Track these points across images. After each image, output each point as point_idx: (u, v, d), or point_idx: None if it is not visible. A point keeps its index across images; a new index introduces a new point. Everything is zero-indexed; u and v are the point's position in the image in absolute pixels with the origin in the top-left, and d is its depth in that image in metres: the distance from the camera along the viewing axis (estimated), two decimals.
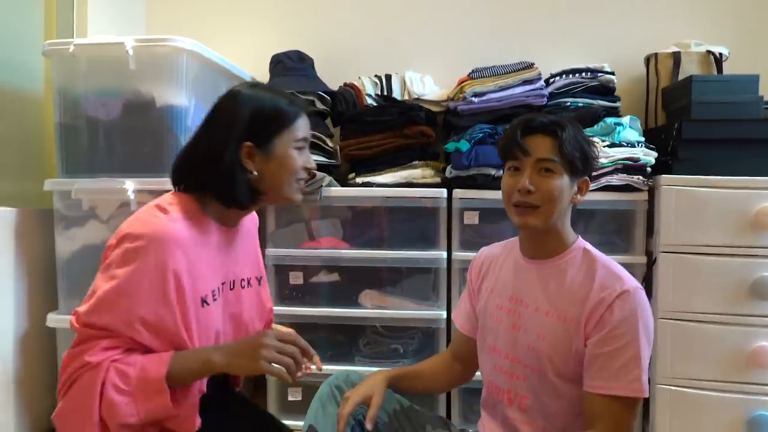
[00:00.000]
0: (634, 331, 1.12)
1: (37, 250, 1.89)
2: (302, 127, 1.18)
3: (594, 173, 1.86)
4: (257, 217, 1.40)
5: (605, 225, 1.99)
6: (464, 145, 1.97)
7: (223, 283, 1.19)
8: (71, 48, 1.75)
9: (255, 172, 1.13)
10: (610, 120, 1.98)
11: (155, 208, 1.10)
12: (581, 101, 2.11)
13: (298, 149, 1.17)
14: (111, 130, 1.78)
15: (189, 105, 1.79)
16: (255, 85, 1.22)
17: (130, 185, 1.74)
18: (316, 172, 1.95)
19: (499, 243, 1.43)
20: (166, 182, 1.70)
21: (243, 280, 1.26)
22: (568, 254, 1.23)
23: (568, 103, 2.11)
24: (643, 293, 1.17)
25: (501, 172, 1.34)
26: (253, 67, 2.31)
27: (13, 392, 1.81)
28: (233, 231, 1.23)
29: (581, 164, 1.20)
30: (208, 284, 1.13)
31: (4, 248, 1.78)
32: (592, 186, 1.86)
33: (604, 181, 1.91)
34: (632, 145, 1.92)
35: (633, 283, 1.17)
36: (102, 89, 1.79)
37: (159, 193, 1.72)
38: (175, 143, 1.76)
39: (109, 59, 1.77)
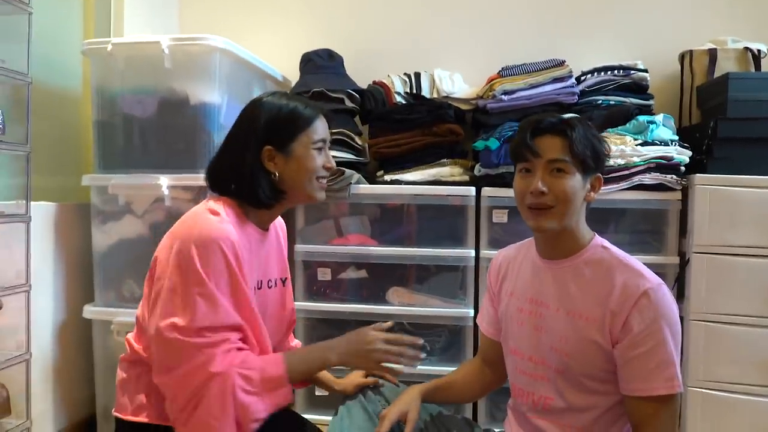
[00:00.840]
0: (662, 330, 1.11)
1: (75, 243, 1.95)
2: (320, 128, 1.23)
3: (626, 172, 1.88)
4: (284, 223, 1.45)
5: (637, 224, 1.96)
6: (493, 143, 1.96)
7: (257, 281, 1.25)
8: (109, 47, 1.80)
9: (276, 173, 1.19)
10: (642, 118, 1.95)
11: (207, 212, 1.16)
12: (613, 99, 2.08)
13: (317, 150, 1.22)
14: (146, 127, 1.83)
15: (221, 102, 1.83)
16: (276, 93, 1.28)
17: (164, 181, 1.78)
18: (344, 169, 2.00)
19: (515, 244, 1.42)
20: (198, 178, 1.76)
21: (270, 280, 1.31)
22: (585, 253, 1.21)
23: (600, 101, 2.09)
24: (665, 288, 1.15)
25: None
26: (284, 65, 2.33)
27: (52, 381, 1.87)
28: (265, 234, 1.28)
29: (593, 162, 1.18)
30: (251, 280, 1.20)
31: (44, 241, 1.84)
32: (624, 185, 1.89)
33: (636, 179, 1.88)
34: (665, 144, 1.89)
35: (654, 279, 1.15)
36: (138, 87, 1.84)
37: (192, 188, 1.81)
38: (208, 140, 1.80)
39: (145, 58, 1.81)
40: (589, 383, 1.19)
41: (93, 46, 1.84)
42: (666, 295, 1.14)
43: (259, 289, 1.26)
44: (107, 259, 1.89)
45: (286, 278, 1.40)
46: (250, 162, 1.18)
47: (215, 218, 1.14)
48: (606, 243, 1.24)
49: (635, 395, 1.13)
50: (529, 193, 1.17)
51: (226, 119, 1.84)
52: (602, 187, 1.84)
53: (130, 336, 1.24)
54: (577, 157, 1.16)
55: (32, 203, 1.69)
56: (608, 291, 1.16)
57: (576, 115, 1.26)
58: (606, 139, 1.88)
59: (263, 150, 1.18)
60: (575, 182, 1.17)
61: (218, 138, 1.81)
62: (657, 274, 1.71)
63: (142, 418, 1.17)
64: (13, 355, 1.63)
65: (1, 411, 1.50)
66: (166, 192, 1.78)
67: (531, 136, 1.19)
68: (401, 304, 2.03)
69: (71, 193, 1.97)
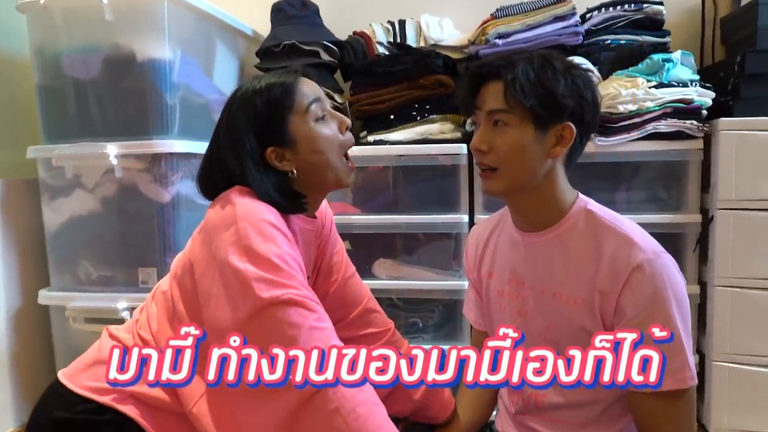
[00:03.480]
0: (665, 310, 0.90)
1: (25, 222, 1.78)
2: (305, 93, 1.00)
3: (638, 119, 1.63)
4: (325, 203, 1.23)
5: (652, 180, 1.73)
6: None
7: None
8: (42, 0, 1.59)
9: (293, 171, 0.99)
10: (657, 56, 1.69)
11: (243, 194, 0.95)
12: (623, 38, 1.82)
13: (317, 121, 0.99)
14: (92, 90, 1.62)
15: (174, 58, 1.61)
16: (249, 80, 1.04)
17: (111, 149, 1.58)
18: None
19: (490, 217, 1.21)
20: (151, 145, 1.58)
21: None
22: (568, 220, 1.00)
23: (608, 41, 1.83)
24: (665, 258, 0.93)
25: None
26: (256, 17, 2.10)
27: (9, 371, 1.72)
28: (314, 222, 1.09)
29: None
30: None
31: None
32: (636, 134, 1.64)
33: (650, 127, 1.63)
34: (684, 85, 1.63)
35: (651, 247, 0.93)
36: (80, 45, 1.63)
37: (144, 157, 1.60)
38: (159, 101, 1.59)
39: (85, 11, 1.59)
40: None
41: (25, 0, 1.62)
42: (667, 266, 0.92)
43: None
44: (60, 239, 1.71)
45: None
46: (255, 172, 0.97)
47: (248, 198, 0.93)
48: (592, 204, 1.02)
49: (639, 392, 0.92)
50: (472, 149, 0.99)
51: (179, 77, 1.63)
52: (612, 138, 1.64)
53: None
54: (517, 105, 0.93)
55: None
56: (594, 267, 0.95)
57: (537, 52, 1.00)
58: (615, 83, 1.68)
59: (266, 153, 0.98)
60: (522, 136, 0.94)
61: (170, 98, 1.61)
62: (675, 235, 1.47)
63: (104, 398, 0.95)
64: None
65: None
66: (114, 162, 1.58)
67: (471, 84, 0.98)
68: (389, 277, 1.84)
69: (20, 167, 1.78)
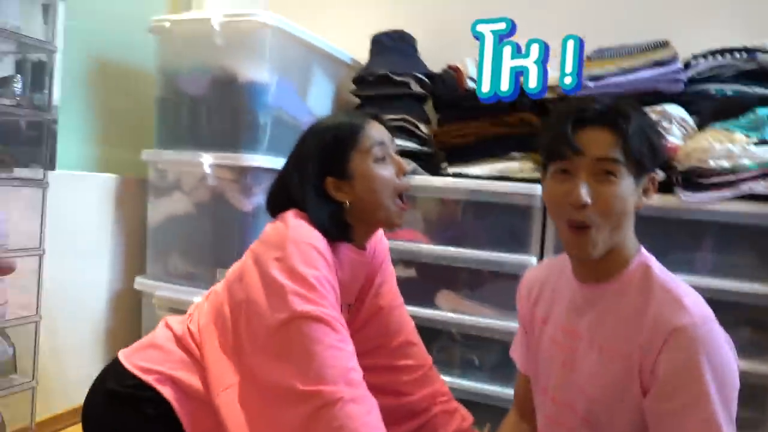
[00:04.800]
0: (702, 380, 0.82)
1: (133, 215, 2.00)
2: (371, 134, 1.09)
3: (732, 177, 1.50)
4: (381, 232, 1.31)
5: (743, 244, 1.57)
6: None
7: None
8: (167, 24, 1.80)
9: (347, 203, 1.08)
10: (762, 111, 1.55)
11: (298, 217, 1.05)
12: (730, 88, 1.69)
13: (377, 161, 1.08)
14: (198, 105, 1.81)
15: (270, 82, 1.75)
16: (329, 116, 1.17)
17: (207, 159, 1.75)
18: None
19: (546, 261, 1.17)
20: (239, 158, 1.73)
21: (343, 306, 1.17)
22: (626, 275, 0.95)
23: (713, 91, 1.70)
24: (711, 326, 0.85)
25: None
26: (358, 47, 2.20)
27: (104, 346, 1.94)
28: (362, 253, 1.16)
29: (650, 161, 0.92)
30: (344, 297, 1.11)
31: (105, 212, 1.92)
32: (728, 193, 1.51)
33: (745, 187, 1.49)
34: None
35: (699, 312, 0.86)
36: (193, 65, 1.83)
37: (234, 168, 1.75)
38: (254, 119, 1.74)
39: (199, 35, 1.79)
40: None
41: (156, 24, 1.85)
42: (712, 333, 0.84)
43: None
44: (158, 233, 1.92)
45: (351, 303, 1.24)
46: (313, 193, 1.07)
47: (302, 222, 1.03)
48: (651, 260, 0.96)
49: None
50: (569, 204, 0.90)
51: (276, 99, 1.77)
52: (700, 195, 1.52)
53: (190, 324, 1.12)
54: (632, 156, 0.89)
55: (93, 174, 1.75)
56: (639, 324, 0.89)
57: (631, 101, 0.97)
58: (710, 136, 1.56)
59: (326, 182, 1.08)
60: (627, 188, 0.90)
61: (264, 118, 1.74)
62: (765, 308, 1.34)
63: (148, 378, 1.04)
64: (21, 315, 1.55)
65: (6, 368, 1.55)
66: (208, 170, 1.75)
67: (572, 126, 0.92)
68: (451, 310, 1.82)
69: (134, 166, 2.01)
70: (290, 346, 0.93)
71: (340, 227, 1.09)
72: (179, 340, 1.08)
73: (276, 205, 1.12)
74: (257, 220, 1.76)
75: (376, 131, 1.10)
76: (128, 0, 2.06)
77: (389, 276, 1.33)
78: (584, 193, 0.89)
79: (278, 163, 1.73)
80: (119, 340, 1.99)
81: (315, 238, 1.01)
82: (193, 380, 1.04)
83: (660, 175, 1.59)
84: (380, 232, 1.32)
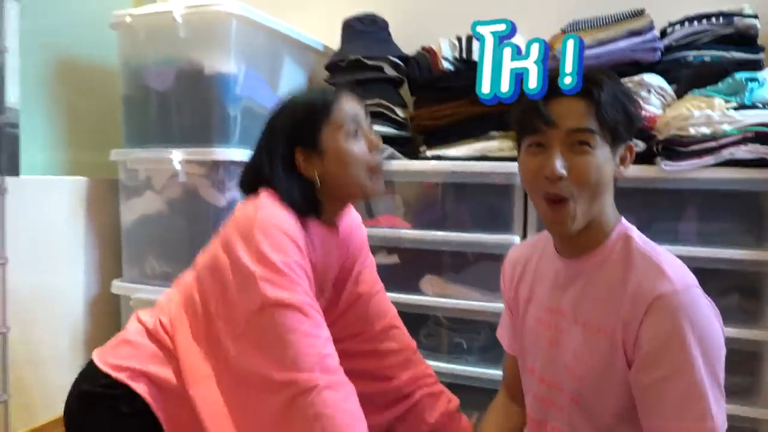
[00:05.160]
0: (686, 348, 0.80)
1: (105, 218, 1.96)
2: (344, 109, 1.06)
3: (713, 144, 1.46)
4: (359, 219, 1.31)
5: (727, 210, 1.54)
6: None
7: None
8: (128, 19, 1.74)
9: (317, 177, 1.05)
10: (740, 75, 1.52)
11: (270, 198, 1.03)
12: (708, 54, 1.65)
13: (349, 135, 1.05)
14: (164, 101, 1.76)
15: (238, 73, 1.70)
16: (303, 89, 1.16)
17: (177, 155, 1.70)
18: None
19: (530, 240, 1.15)
20: (211, 153, 1.69)
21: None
22: (607, 246, 0.93)
23: (690, 58, 1.67)
24: (695, 292, 0.83)
25: None
26: (329, 33, 2.14)
27: (83, 353, 1.89)
28: (333, 229, 1.14)
29: (625, 129, 0.90)
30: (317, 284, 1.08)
31: (76, 216, 1.87)
32: (709, 160, 1.48)
33: (726, 153, 1.45)
34: None
35: (681, 279, 0.84)
36: (158, 59, 1.77)
37: (205, 163, 1.70)
38: (222, 113, 1.70)
39: (163, 28, 1.73)
40: (610, 420, 0.90)
41: (117, 19, 1.79)
42: (695, 301, 0.82)
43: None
44: (132, 235, 1.87)
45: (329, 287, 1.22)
46: (282, 171, 1.05)
47: (272, 202, 1.00)
48: (631, 230, 0.94)
49: None
50: (544, 178, 0.88)
51: (244, 90, 1.73)
52: (681, 163, 1.50)
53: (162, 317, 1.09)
54: (607, 124, 0.87)
55: (62, 177, 1.71)
56: (620, 296, 0.87)
57: (605, 69, 0.95)
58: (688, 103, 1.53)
59: (296, 155, 1.06)
60: (603, 158, 0.88)
61: (234, 110, 1.70)
62: (753, 274, 1.34)
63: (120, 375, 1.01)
64: None
65: None
66: (178, 167, 1.70)
67: (544, 98, 0.89)
68: (436, 294, 1.80)
69: (103, 168, 1.96)
70: (264, 334, 0.91)
71: (310, 202, 1.06)
72: (151, 334, 1.06)
73: (248, 185, 1.10)
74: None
75: (349, 106, 1.07)
76: None
77: (369, 264, 1.32)
78: (559, 166, 0.87)
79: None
80: (98, 345, 1.93)
81: (284, 220, 0.99)
82: (166, 373, 1.02)
83: (640, 145, 1.57)
84: (358, 219, 1.30)
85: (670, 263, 0.87)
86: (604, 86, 0.88)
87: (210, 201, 1.71)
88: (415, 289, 1.83)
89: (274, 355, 0.89)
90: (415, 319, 1.88)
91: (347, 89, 1.11)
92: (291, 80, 1.96)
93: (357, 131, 1.06)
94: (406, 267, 1.85)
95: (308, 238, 1.05)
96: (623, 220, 0.96)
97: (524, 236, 1.70)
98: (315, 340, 0.92)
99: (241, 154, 1.70)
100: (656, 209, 1.56)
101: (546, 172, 0.88)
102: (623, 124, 0.89)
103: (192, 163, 1.71)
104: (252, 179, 1.08)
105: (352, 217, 1.27)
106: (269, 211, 0.99)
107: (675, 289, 0.82)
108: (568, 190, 0.88)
